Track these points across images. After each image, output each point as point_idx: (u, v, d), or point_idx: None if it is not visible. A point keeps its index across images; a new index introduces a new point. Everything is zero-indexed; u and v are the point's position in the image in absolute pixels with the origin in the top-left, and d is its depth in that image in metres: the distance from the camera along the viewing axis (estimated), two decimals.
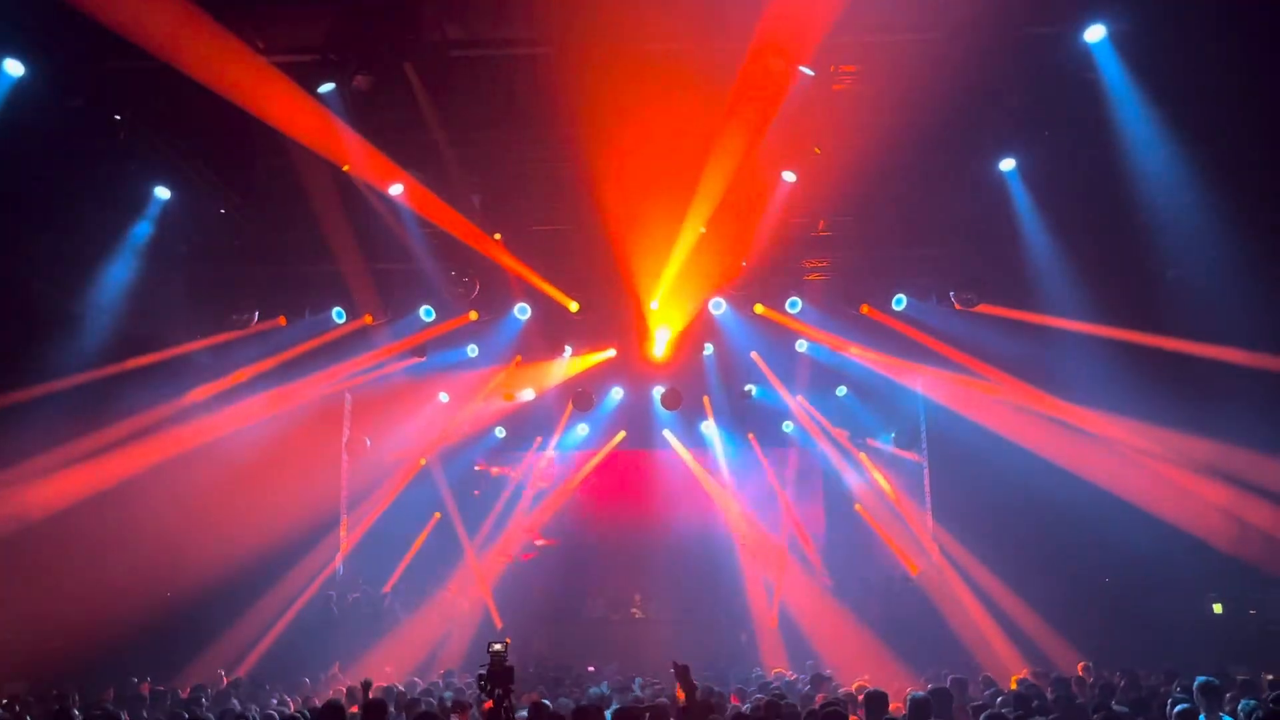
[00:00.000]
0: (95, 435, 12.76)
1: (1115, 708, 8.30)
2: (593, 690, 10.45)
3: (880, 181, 12.73)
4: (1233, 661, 11.46)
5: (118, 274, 12.29)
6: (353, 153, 11.57)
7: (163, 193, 12.09)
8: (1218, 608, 14.18)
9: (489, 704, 6.81)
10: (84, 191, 11.47)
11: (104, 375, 12.63)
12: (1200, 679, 8.12)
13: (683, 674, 7.33)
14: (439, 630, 16.01)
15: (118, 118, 10.57)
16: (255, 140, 11.59)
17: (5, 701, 9.72)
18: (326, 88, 10.06)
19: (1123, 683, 10.09)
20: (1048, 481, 13.98)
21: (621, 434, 19.02)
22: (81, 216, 11.79)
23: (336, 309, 14.40)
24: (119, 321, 12.54)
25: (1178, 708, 7.54)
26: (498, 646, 6.84)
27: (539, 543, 18.71)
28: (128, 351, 13.08)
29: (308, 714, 8.86)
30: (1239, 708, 7.72)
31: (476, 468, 19.06)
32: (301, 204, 12.71)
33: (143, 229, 12.20)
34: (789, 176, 12.26)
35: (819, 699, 8.82)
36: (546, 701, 8.57)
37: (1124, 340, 12.77)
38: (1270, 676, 10.51)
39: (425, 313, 14.64)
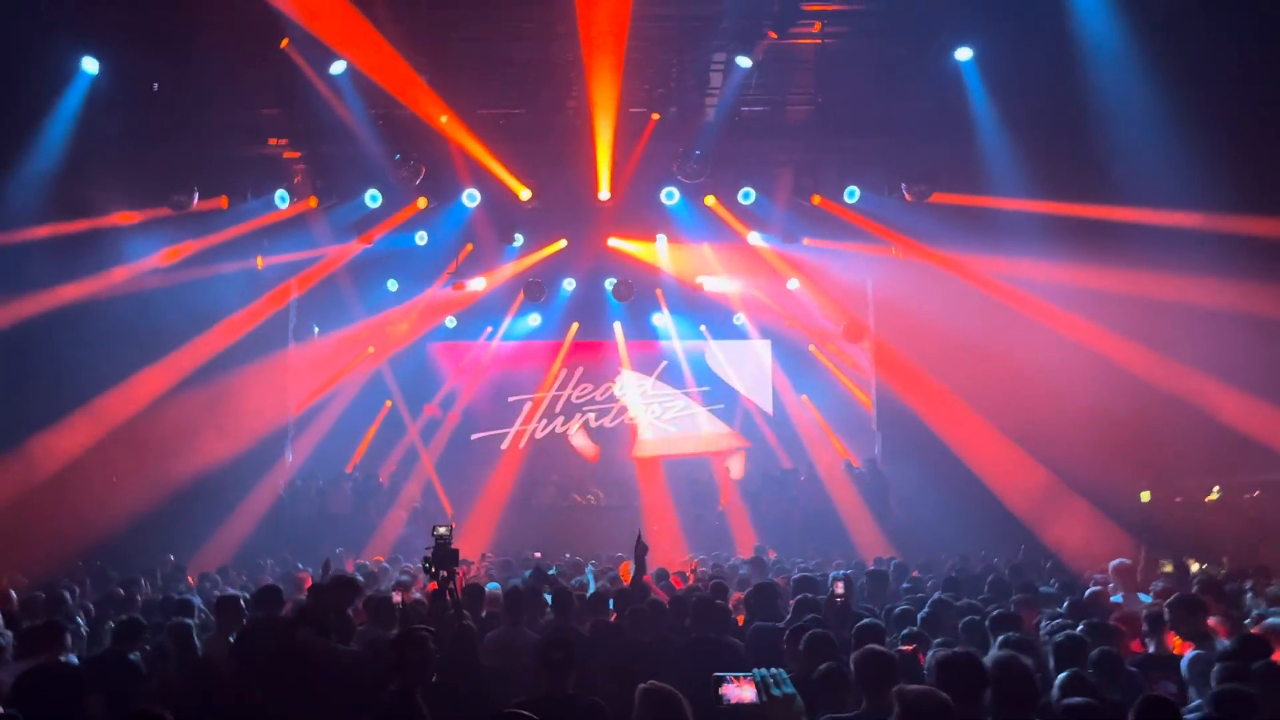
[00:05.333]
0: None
1: (1042, 589, 8.62)
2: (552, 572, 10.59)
3: (836, 70, 12.60)
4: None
5: (49, 146, 11.72)
6: (292, 27, 11.21)
7: (91, 65, 11.57)
8: (1145, 495, 14.64)
9: (433, 585, 6.88)
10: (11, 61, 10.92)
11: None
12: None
13: (640, 553, 7.47)
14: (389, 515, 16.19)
15: None
16: (190, 13, 11.13)
17: None
18: None
19: (1049, 564, 10.50)
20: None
21: (575, 325, 19.05)
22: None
23: (280, 192, 13.83)
24: (49, 192, 11.88)
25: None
26: (443, 529, 6.87)
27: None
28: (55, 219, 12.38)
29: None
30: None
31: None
32: (239, 82, 12.28)
33: (72, 102, 11.68)
34: (744, 62, 12.01)
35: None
36: (495, 585, 8.73)
37: (1069, 215, 12.70)
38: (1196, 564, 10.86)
39: (371, 198, 14.15)
